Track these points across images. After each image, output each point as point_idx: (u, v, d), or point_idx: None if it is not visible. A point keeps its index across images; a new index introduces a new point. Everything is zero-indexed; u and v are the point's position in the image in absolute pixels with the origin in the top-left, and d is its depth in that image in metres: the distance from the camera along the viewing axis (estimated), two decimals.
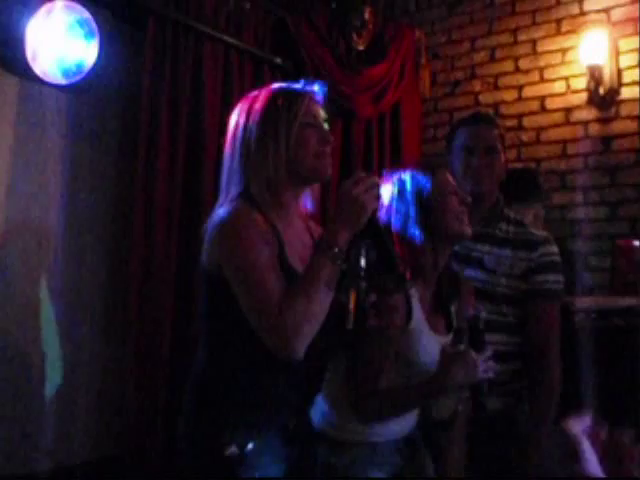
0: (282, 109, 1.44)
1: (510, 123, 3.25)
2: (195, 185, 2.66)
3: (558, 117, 3.16)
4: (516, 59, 3.31)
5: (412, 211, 1.68)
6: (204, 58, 2.77)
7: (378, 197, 1.40)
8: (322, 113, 1.51)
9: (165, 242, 2.53)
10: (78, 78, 2.22)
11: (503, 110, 3.31)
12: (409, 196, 1.69)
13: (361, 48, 3.39)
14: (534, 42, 3.26)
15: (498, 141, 2.02)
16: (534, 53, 3.25)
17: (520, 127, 3.25)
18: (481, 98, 3.40)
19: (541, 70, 3.23)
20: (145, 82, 2.53)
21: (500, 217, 2.03)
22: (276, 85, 1.54)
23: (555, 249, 1.99)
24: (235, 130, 1.49)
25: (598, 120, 3.04)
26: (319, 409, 1.69)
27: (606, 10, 3.06)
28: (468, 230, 1.70)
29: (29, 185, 2.30)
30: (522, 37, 3.30)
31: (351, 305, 1.38)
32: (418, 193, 1.69)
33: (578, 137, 3.09)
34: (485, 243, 1.99)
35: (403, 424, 1.67)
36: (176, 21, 2.66)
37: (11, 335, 2.24)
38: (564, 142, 3.13)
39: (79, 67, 2.21)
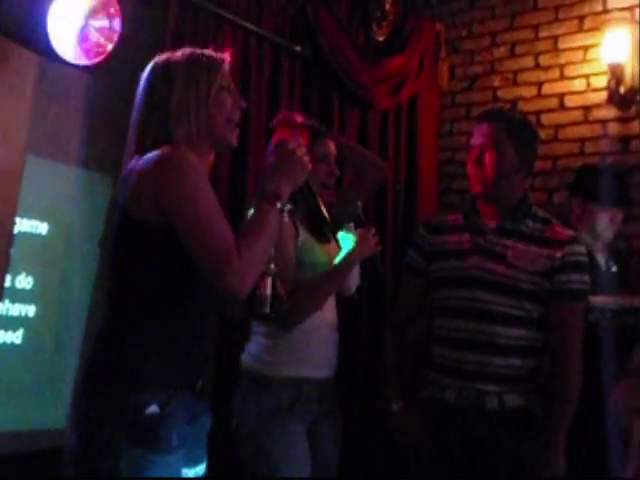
0: (204, 69, 1.48)
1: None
2: (214, 168, 2.65)
3: (577, 115, 3.13)
4: (536, 55, 3.28)
5: None
6: (224, 44, 2.76)
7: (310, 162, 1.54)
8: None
9: None
10: (99, 59, 2.21)
11: (522, 106, 3.27)
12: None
13: (381, 39, 3.37)
14: (555, 39, 3.23)
15: (501, 137, 1.99)
16: (555, 50, 3.22)
17: (538, 124, 3.21)
18: (499, 94, 3.38)
19: (561, 67, 3.20)
20: None
21: (527, 213, 2.02)
22: (191, 48, 1.55)
23: (581, 249, 1.98)
24: (151, 82, 1.50)
25: (617, 119, 3.01)
26: (249, 351, 1.99)
27: (630, 8, 3.02)
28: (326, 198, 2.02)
29: (44, 164, 2.30)
30: (543, 33, 3.27)
31: (267, 291, 1.55)
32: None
33: (597, 136, 3.07)
34: (509, 238, 1.98)
35: (327, 360, 2.00)
36: (197, 5, 2.66)
37: None
38: (582, 140, 3.11)
39: (100, 48, 2.20)
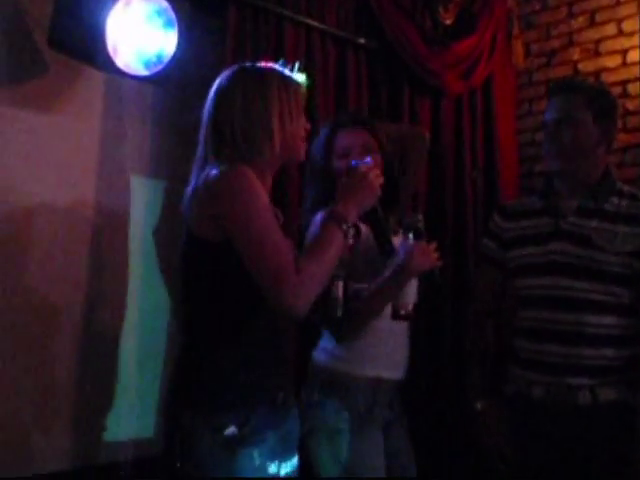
0: (293, 89, 1.54)
1: (614, 91, 2.93)
2: (278, 177, 2.62)
3: None
4: (619, 21, 3.06)
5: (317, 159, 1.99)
6: (285, 42, 2.72)
7: (381, 186, 1.53)
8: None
9: None
10: (159, 69, 2.22)
11: (605, 78, 3.06)
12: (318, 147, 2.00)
13: (448, 22, 3.23)
14: (638, 0, 2.99)
15: (578, 110, 1.84)
16: (639, 13, 2.99)
17: (625, 95, 3.00)
18: (580, 67, 3.17)
19: None
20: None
21: (610, 191, 1.86)
22: (270, 66, 1.60)
23: None
24: (231, 99, 1.52)
25: None
26: (322, 348, 1.92)
27: None
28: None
29: (116, 178, 2.34)
30: None
31: (340, 294, 1.56)
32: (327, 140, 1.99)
33: None
34: (593, 218, 1.84)
35: (400, 361, 1.92)
36: (256, 6, 2.63)
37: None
38: None
39: (159, 57, 2.20)
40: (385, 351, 1.89)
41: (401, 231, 1.93)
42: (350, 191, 1.49)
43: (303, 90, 1.58)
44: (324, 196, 1.86)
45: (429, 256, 1.84)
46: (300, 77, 1.61)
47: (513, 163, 3.29)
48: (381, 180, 1.54)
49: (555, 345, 1.81)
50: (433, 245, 1.88)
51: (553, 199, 1.92)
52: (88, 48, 2.11)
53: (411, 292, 1.89)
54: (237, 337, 1.44)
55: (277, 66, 1.61)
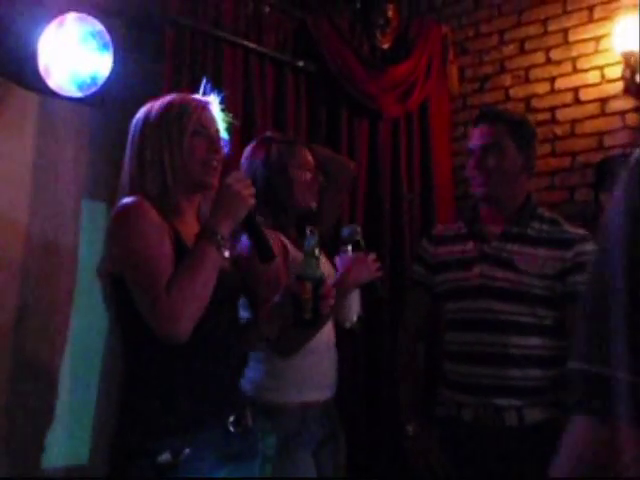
0: (175, 119, 1.54)
1: (543, 117, 3.13)
2: None
3: (593, 108, 3.02)
4: (547, 50, 3.18)
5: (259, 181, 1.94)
6: (224, 64, 2.73)
7: (254, 195, 1.52)
8: (216, 123, 1.62)
9: None
10: (93, 90, 2.20)
11: (535, 103, 3.18)
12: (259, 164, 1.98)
13: (386, 46, 3.31)
14: (565, 31, 3.12)
15: (502, 138, 1.92)
16: (566, 43, 3.12)
17: (554, 120, 3.12)
18: (512, 92, 3.29)
19: (574, 60, 3.09)
20: (165, 92, 2.50)
21: (532, 216, 1.93)
22: (173, 95, 1.66)
23: (593, 247, 1.89)
24: (133, 134, 1.59)
25: (636, 110, 2.89)
26: (249, 378, 1.91)
27: None
28: (313, 203, 1.98)
29: (48, 199, 2.29)
30: (553, 27, 3.17)
31: (307, 295, 1.50)
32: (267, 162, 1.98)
33: (615, 128, 2.94)
34: (515, 243, 1.90)
35: (328, 381, 1.94)
36: (194, 28, 2.64)
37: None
38: (600, 134, 2.99)
39: (94, 79, 2.19)
40: (310, 374, 1.90)
41: (340, 244, 1.95)
42: (219, 204, 1.49)
43: (198, 114, 1.57)
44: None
45: (368, 267, 1.86)
46: (198, 101, 1.62)
47: (448, 185, 3.36)
48: (251, 190, 1.52)
49: (482, 367, 1.86)
50: (372, 256, 1.89)
51: (478, 224, 1.98)
52: (20, 68, 2.07)
53: (354, 304, 1.91)
54: (171, 364, 1.44)
55: (170, 97, 1.63)
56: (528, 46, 3.25)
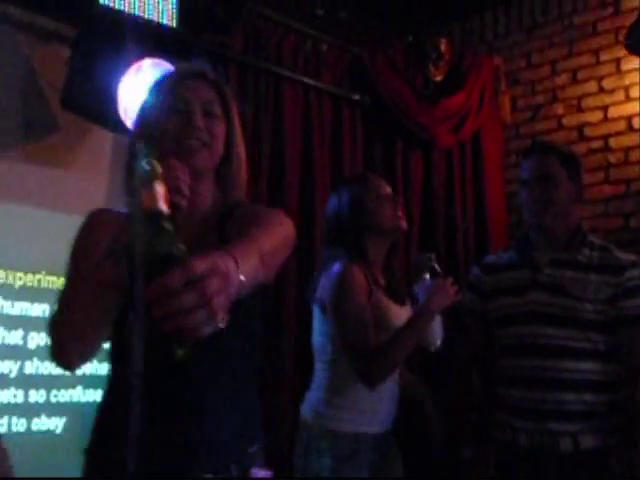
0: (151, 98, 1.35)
1: (596, 145, 3.17)
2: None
3: None
4: (599, 79, 3.23)
5: (347, 216, 2.04)
6: (284, 100, 2.87)
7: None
8: (204, 94, 1.32)
9: None
10: None
11: (588, 132, 3.22)
12: (345, 205, 2.05)
13: (439, 79, 3.41)
14: (618, 61, 3.17)
15: (555, 169, 1.99)
16: (618, 72, 3.16)
17: (607, 148, 3.15)
18: (564, 121, 3.33)
19: (626, 89, 3.13)
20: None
21: (582, 243, 1.99)
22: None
23: None
24: None
25: None
26: (309, 403, 1.99)
27: None
28: (403, 225, 2.08)
29: None
30: (605, 57, 3.22)
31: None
32: (352, 199, 2.05)
33: None
34: (567, 269, 1.96)
35: (386, 415, 1.97)
36: (256, 66, 2.79)
37: None
38: None
39: None
40: (369, 407, 1.95)
41: (416, 274, 2.04)
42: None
43: (183, 84, 1.32)
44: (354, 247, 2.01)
45: (448, 292, 1.93)
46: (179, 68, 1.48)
47: (502, 213, 3.41)
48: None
49: (536, 391, 1.90)
50: (450, 280, 1.96)
51: (529, 252, 2.05)
52: (101, 110, 2.24)
53: (437, 328, 2.00)
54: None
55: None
56: (580, 76, 3.30)
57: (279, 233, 1.23)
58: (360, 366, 1.88)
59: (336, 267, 1.96)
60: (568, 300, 1.91)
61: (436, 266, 2.02)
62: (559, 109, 3.36)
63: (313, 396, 2.02)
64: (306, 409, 2.02)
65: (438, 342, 2.01)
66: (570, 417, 1.87)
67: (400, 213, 2.08)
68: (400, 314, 2.01)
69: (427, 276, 1.99)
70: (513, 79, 3.54)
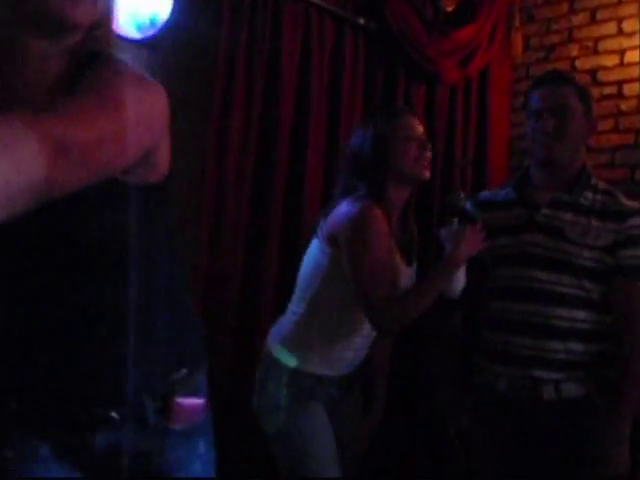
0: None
1: (609, 90, 3.01)
2: (269, 145, 2.62)
3: None
4: (619, 21, 3.04)
5: (368, 154, 1.86)
6: (284, 15, 2.70)
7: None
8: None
9: (237, 197, 2.50)
10: (152, 32, 2.20)
11: (602, 76, 3.06)
12: (367, 138, 1.87)
13: (449, 9, 3.22)
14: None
15: (572, 101, 1.84)
16: None
17: (620, 95, 3.00)
18: (578, 64, 3.16)
19: None
20: (222, 39, 2.48)
21: (585, 185, 1.87)
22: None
23: None
24: None
25: None
26: (278, 332, 1.90)
27: None
28: (426, 174, 1.88)
29: None
30: None
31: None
32: (377, 135, 1.86)
33: None
34: (567, 212, 1.84)
35: (352, 362, 1.89)
36: None
37: None
38: None
39: (153, 21, 2.19)
40: (339, 355, 1.87)
41: (445, 214, 1.89)
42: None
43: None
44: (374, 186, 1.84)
45: (476, 239, 1.80)
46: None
47: (503, 155, 3.28)
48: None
49: (523, 337, 1.82)
50: (478, 226, 1.82)
51: (528, 190, 1.92)
52: None
53: (462, 276, 1.85)
54: None
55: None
56: (599, 16, 3.11)
57: (120, 112, 0.86)
58: (375, 313, 1.73)
59: (354, 204, 1.78)
60: (565, 244, 1.80)
61: (465, 208, 1.87)
62: (574, 50, 3.18)
63: (284, 326, 1.92)
64: (274, 337, 1.93)
65: (459, 290, 1.85)
66: (554, 365, 1.79)
67: (425, 161, 1.89)
68: (406, 274, 1.87)
69: (455, 220, 1.82)
70: (528, 15, 3.35)
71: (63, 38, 0.96)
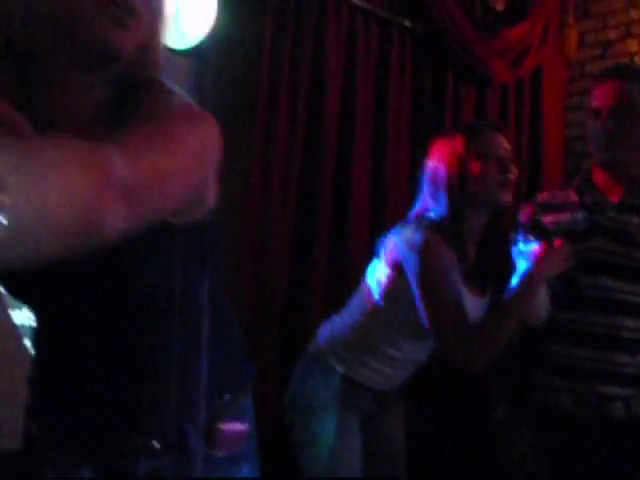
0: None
1: None
2: (315, 153, 2.56)
3: None
4: None
5: (442, 175, 1.72)
6: (327, 20, 2.64)
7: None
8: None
9: (282, 207, 2.45)
10: (195, 41, 2.17)
11: None
12: (443, 158, 1.74)
13: (499, 8, 3.11)
14: None
15: (635, 97, 1.72)
16: None
17: None
18: (637, 59, 3.02)
19: None
20: (266, 46, 2.44)
21: None
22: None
23: None
24: None
25: None
26: (329, 331, 1.83)
27: None
28: (506, 198, 1.71)
29: None
30: None
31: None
32: (453, 155, 1.72)
33: None
34: (634, 215, 1.72)
35: (397, 380, 1.83)
36: None
37: None
38: None
39: (196, 30, 2.16)
40: (386, 371, 1.81)
41: (521, 233, 1.76)
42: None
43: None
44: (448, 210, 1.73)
45: (558, 258, 1.67)
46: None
47: (559, 158, 3.16)
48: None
49: (589, 349, 1.71)
50: (560, 243, 1.68)
51: (592, 192, 1.81)
52: None
53: (543, 299, 1.72)
54: None
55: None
56: None
57: (179, 146, 0.81)
58: (458, 351, 1.61)
59: (416, 234, 1.68)
60: (634, 250, 1.69)
61: (544, 225, 1.75)
62: (632, 46, 3.04)
63: (338, 328, 1.84)
64: (322, 336, 1.86)
65: (543, 314, 1.71)
66: (622, 380, 1.67)
67: (507, 184, 1.72)
68: (476, 306, 1.72)
69: (531, 236, 1.70)
70: (583, 11, 3.21)
71: (108, 68, 0.91)
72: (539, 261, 1.63)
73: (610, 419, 1.67)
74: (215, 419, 1.07)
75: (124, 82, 0.94)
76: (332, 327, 1.87)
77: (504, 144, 1.77)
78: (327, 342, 1.83)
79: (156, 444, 1.03)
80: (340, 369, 1.77)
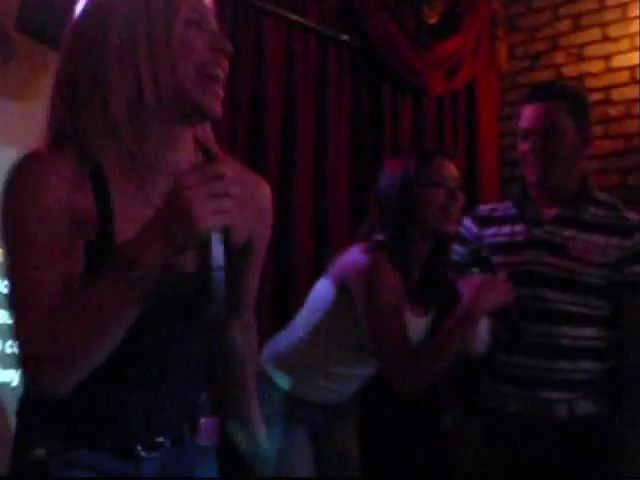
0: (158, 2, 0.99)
1: (597, 97, 2.98)
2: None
3: None
4: (603, 26, 3.03)
5: (392, 199, 1.73)
6: (266, 36, 2.65)
7: (226, 211, 0.89)
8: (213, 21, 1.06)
9: None
10: None
11: (589, 83, 3.03)
12: (393, 182, 1.75)
13: (433, 21, 3.19)
14: (624, 6, 2.96)
15: (561, 118, 1.76)
16: (624, 19, 2.96)
17: (608, 101, 2.97)
18: (564, 71, 3.14)
19: (632, 37, 2.93)
20: None
21: (588, 199, 1.81)
22: None
23: None
24: (80, 23, 1.05)
25: None
26: (274, 349, 1.84)
27: None
28: (451, 227, 1.72)
29: None
30: (610, 2, 3.01)
31: None
32: (404, 180, 1.72)
33: None
34: (570, 228, 1.77)
35: (344, 394, 1.85)
36: None
37: None
38: None
39: None
40: (335, 392, 1.84)
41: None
42: (157, 217, 0.91)
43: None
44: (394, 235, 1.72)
45: (499, 290, 1.64)
46: None
47: (494, 167, 3.24)
48: (224, 204, 0.89)
49: (532, 358, 1.76)
50: (502, 276, 1.66)
51: (529, 206, 1.86)
52: (59, 33, 2.02)
53: (484, 333, 1.70)
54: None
55: None
56: (583, 22, 3.10)
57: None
58: (398, 377, 1.66)
59: (363, 254, 1.70)
60: (570, 262, 1.74)
61: (490, 256, 1.75)
62: (559, 58, 3.16)
63: (282, 346, 1.85)
64: (269, 355, 1.85)
65: (482, 349, 1.71)
66: (565, 386, 1.73)
67: (453, 213, 1.72)
68: (416, 327, 1.75)
69: (476, 270, 1.70)
70: (511, 25, 3.33)
71: (197, 126, 1.11)
72: (480, 294, 1.62)
73: (556, 420, 1.72)
74: (197, 418, 1.20)
75: (201, 144, 1.14)
76: (277, 347, 1.87)
77: (453, 172, 1.76)
78: (272, 362, 1.83)
79: (163, 440, 1.14)
80: (285, 387, 1.78)
